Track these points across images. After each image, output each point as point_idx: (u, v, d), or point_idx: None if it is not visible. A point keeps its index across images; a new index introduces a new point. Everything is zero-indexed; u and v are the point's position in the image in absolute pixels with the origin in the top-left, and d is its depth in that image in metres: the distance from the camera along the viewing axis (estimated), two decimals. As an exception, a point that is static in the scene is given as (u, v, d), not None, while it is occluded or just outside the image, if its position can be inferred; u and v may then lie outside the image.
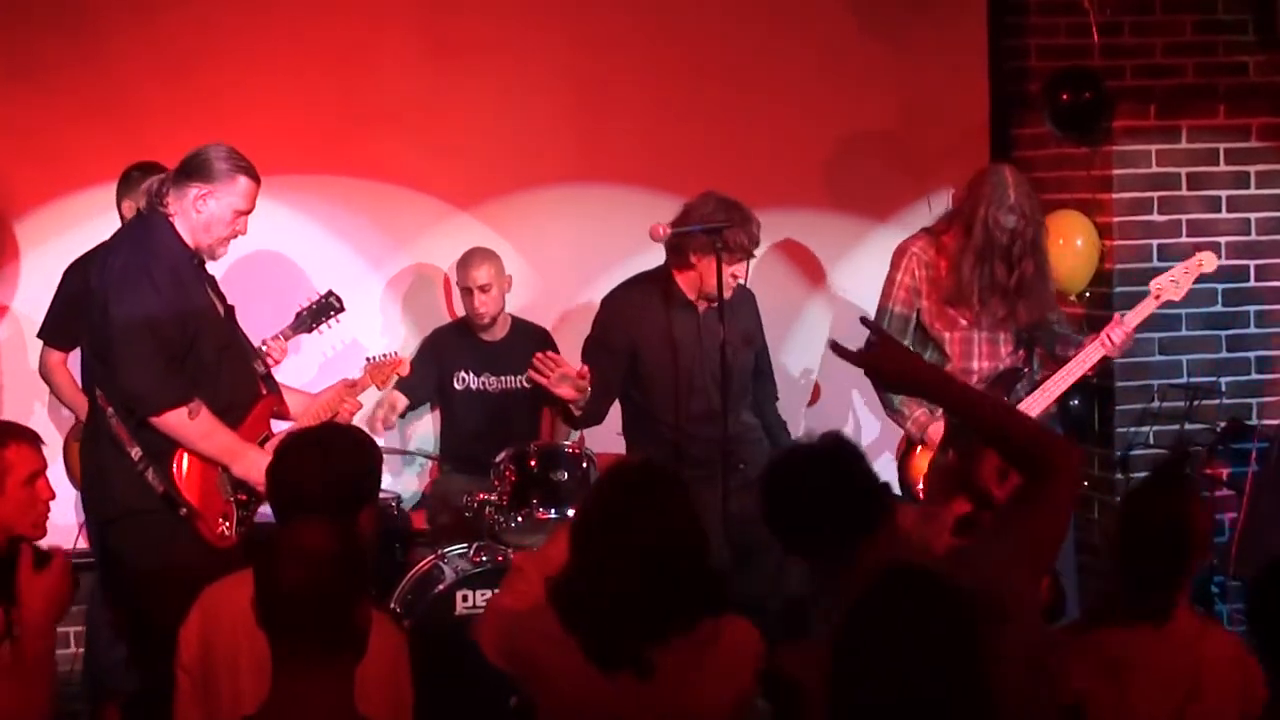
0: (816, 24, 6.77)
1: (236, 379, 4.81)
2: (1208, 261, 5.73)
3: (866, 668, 2.52)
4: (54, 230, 6.13)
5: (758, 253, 5.61)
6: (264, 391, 4.92)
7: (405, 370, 5.52)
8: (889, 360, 3.38)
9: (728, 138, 6.69)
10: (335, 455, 3.60)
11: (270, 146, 6.32)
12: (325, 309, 5.75)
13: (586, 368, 5.40)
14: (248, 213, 4.80)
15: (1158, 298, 5.67)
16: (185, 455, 4.67)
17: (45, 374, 5.81)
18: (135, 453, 4.65)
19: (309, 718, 2.73)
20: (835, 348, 3.45)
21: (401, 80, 6.45)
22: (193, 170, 4.74)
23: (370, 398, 5.94)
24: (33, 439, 3.91)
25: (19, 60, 6.15)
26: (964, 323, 5.58)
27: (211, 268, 4.97)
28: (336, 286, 6.31)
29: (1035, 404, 5.56)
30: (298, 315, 5.72)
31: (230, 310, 4.94)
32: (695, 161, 6.62)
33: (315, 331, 5.80)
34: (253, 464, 4.68)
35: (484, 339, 6.29)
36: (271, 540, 2.86)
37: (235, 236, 4.81)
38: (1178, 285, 5.68)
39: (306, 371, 6.23)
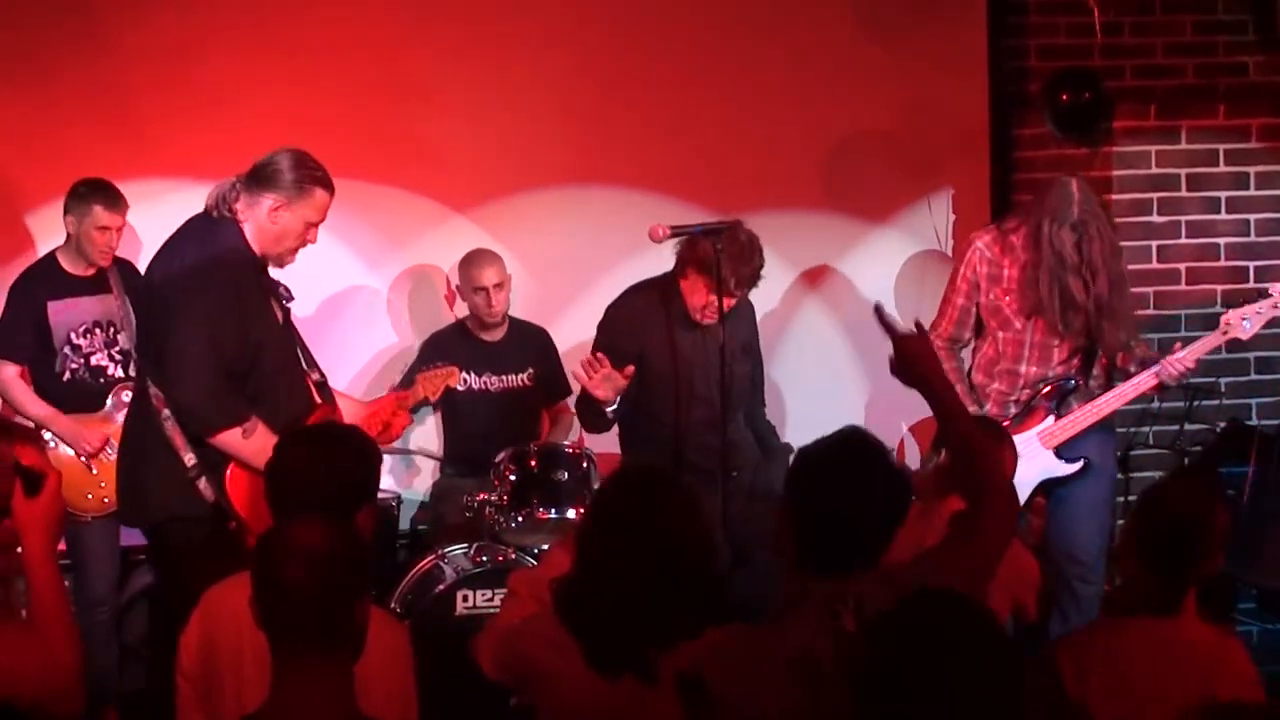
0: (816, 24, 6.76)
1: (295, 392, 4.69)
2: None
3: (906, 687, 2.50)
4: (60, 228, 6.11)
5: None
6: (319, 401, 4.79)
7: (456, 380, 5.47)
8: (910, 349, 3.39)
9: (726, 139, 6.69)
10: (334, 454, 3.59)
11: (268, 147, 6.32)
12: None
13: (631, 367, 5.37)
14: (320, 223, 4.70)
15: (1225, 333, 5.55)
16: (236, 467, 4.54)
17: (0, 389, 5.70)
18: (189, 459, 4.54)
19: (309, 716, 2.73)
20: (879, 312, 3.46)
21: (397, 83, 6.45)
22: (266, 180, 4.59)
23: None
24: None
25: (24, 59, 6.15)
26: (1018, 325, 5.53)
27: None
28: (334, 288, 6.33)
29: (1084, 419, 5.51)
30: None
31: (288, 314, 4.83)
32: (693, 163, 6.63)
33: None
34: None
35: (484, 339, 6.29)
36: (270, 539, 2.86)
37: (305, 245, 4.71)
38: (1248, 325, 5.54)
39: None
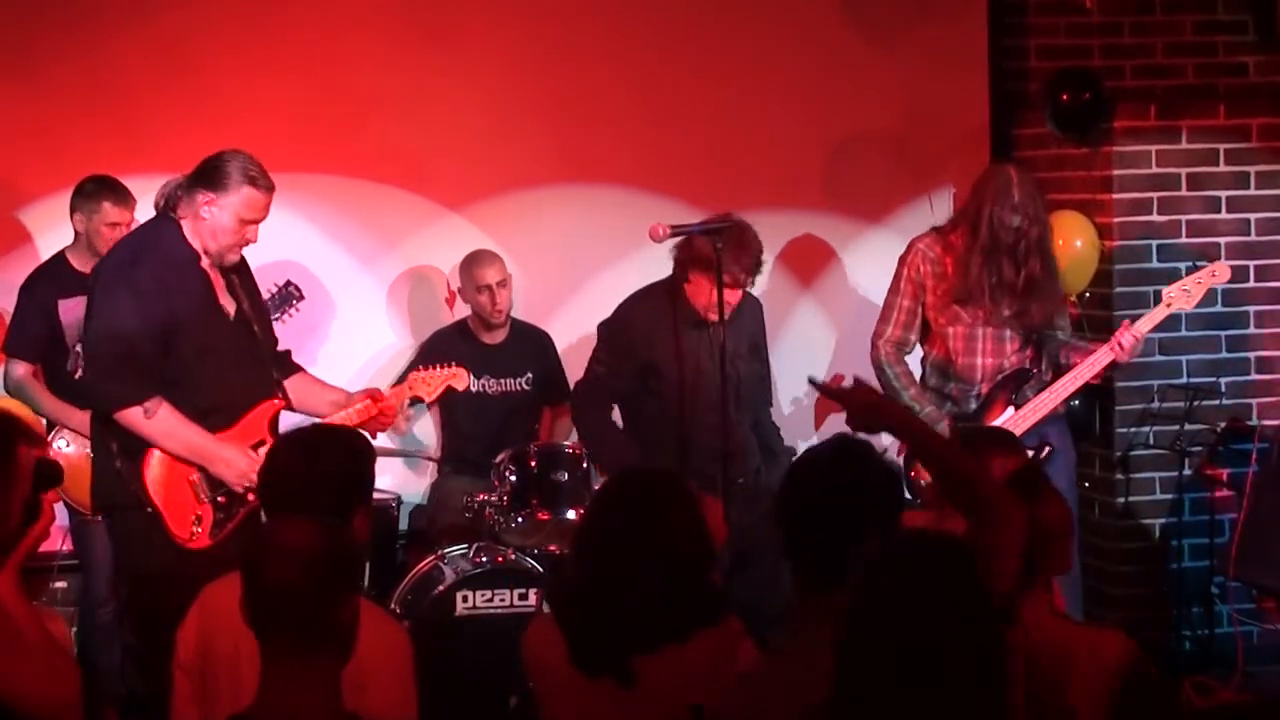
0: (817, 24, 6.76)
1: (227, 380, 4.77)
2: (1221, 273, 5.74)
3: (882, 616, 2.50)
4: (59, 224, 6.09)
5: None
6: (272, 396, 4.86)
7: (463, 383, 5.41)
8: (859, 400, 3.34)
9: (726, 138, 6.68)
10: (328, 455, 3.59)
11: (263, 145, 6.25)
12: (286, 299, 5.77)
13: None
14: (255, 222, 4.77)
15: (1169, 305, 5.70)
16: (155, 453, 4.66)
17: (13, 387, 5.72)
18: (115, 447, 4.68)
19: (297, 716, 2.73)
20: (814, 383, 3.48)
21: (394, 80, 6.44)
22: (202, 176, 4.73)
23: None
24: (39, 439, 3.91)
25: (21, 56, 6.14)
26: (967, 319, 5.61)
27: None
28: (328, 286, 6.32)
29: (1043, 405, 5.58)
30: None
31: (251, 311, 4.89)
32: (693, 163, 6.62)
33: (278, 321, 5.82)
34: (226, 465, 4.67)
35: (485, 341, 6.29)
36: (258, 538, 2.86)
37: (245, 244, 4.80)
38: (1189, 295, 5.71)
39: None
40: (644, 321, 5.61)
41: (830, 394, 3.42)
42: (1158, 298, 6.41)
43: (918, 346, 5.83)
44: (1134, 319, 5.67)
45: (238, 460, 4.66)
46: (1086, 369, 5.58)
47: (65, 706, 3.15)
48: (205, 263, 4.77)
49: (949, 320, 5.64)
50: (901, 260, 5.76)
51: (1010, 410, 5.59)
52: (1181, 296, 5.70)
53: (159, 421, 4.61)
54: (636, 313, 5.65)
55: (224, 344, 4.79)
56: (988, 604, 2.53)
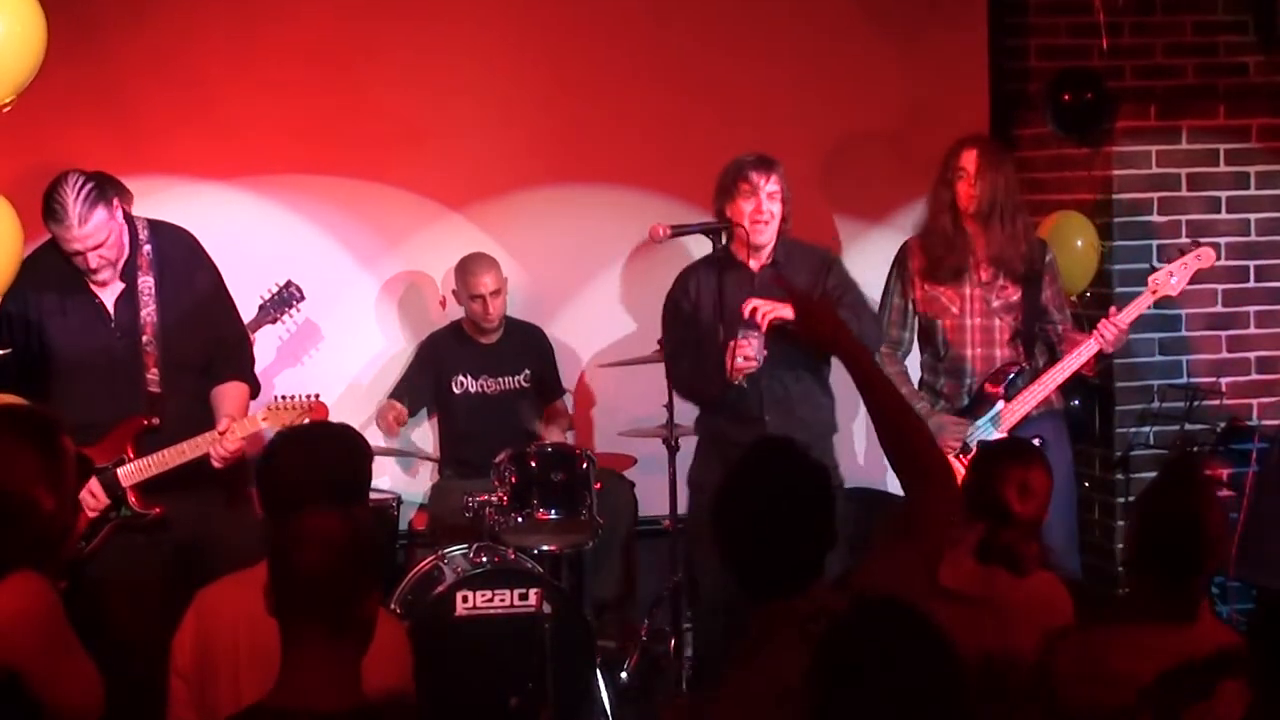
0: (816, 24, 6.76)
1: (92, 397, 4.79)
2: (1204, 257, 5.74)
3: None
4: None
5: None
6: (139, 413, 4.84)
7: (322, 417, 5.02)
8: (812, 305, 3.24)
9: (726, 138, 6.64)
10: (325, 453, 3.60)
11: (263, 146, 6.34)
12: (286, 299, 5.78)
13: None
14: (76, 253, 4.74)
15: (1154, 293, 5.71)
16: None
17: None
18: None
19: (318, 700, 2.76)
20: (780, 280, 3.35)
21: (394, 81, 6.45)
22: None
23: (371, 404, 6.14)
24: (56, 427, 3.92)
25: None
26: (955, 310, 5.63)
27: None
28: (329, 287, 6.33)
29: (1032, 397, 5.59)
30: (260, 308, 5.76)
31: (149, 320, 4.83)
32: (693, 162, 6.59)
33: (278, 322, 5.83)
34: None
35: (481, 342, 6.29)
36: (286, 528, 2.88)
37: (93, 267, 4.75)
38: (1175, 281, 5.71)
39: (307, 372, 6.25)
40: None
41: (791, 295, 3.30)
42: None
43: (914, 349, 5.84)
44: (1120, 307, 5.68)
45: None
46: (1073, 360, 5.61)
47: (97, 710, 3.17)
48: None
49: (937, 312, 5.67)
50: (895, 259, 5.80)
51: (1000, 404, 5.59)
52: (1166, 283, 5.70)
53: None
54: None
55: (96, 359, 4.81)
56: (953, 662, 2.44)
